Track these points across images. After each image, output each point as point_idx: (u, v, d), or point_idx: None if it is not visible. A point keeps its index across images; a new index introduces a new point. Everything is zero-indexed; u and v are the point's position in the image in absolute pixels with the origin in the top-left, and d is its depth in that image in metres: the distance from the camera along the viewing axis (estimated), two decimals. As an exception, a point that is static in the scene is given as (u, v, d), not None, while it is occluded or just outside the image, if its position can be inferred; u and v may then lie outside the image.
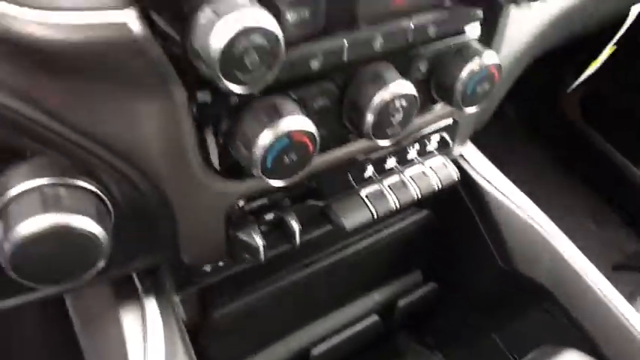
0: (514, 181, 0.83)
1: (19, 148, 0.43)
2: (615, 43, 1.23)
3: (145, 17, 0.36)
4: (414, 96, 0.50)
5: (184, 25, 0.36)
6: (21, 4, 0.33)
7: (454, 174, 0.68)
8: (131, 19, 0.35)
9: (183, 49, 0.37)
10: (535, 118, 1.70)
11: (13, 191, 0.42)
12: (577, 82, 1.51)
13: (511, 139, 1.66)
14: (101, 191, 0.46)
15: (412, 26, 0.49)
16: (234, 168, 0.49)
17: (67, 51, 0.35)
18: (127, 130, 0.43)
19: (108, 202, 0.47)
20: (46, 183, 0.43)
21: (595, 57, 1.34)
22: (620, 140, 1.53)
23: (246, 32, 0.34)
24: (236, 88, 0.37)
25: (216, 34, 0.34)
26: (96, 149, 0.43)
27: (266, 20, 0.35)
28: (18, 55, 0.36)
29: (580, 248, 0.78)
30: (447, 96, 0.56)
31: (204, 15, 0.34)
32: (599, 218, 1.57)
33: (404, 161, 0.67)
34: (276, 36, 0.35)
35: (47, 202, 0.42)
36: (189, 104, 0.42)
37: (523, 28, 0.66)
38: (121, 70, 0.38)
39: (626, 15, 1.09)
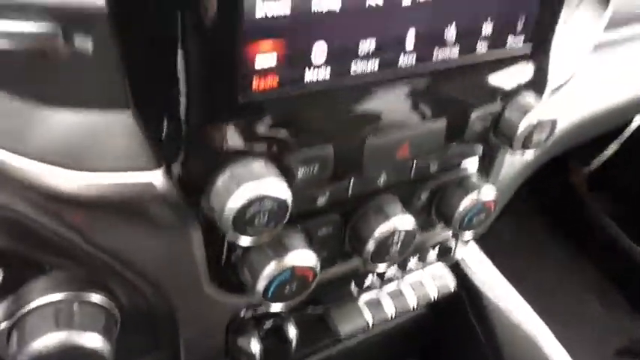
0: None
1: (41, 261, 0.47)
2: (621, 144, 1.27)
3: (168, 170, 0.40)
4: (414, 232, 0.53)
5: (204, 181, 0.39)
6: (60, 165, 0.37)
7: (451, 285, 0.70)
8: (157, 177, 0.39)
9: (199, 201, 0.41)
10: (543, 195, 1.71)
11: (32, 305, 0.45)
12: (584, 172, 1.54)
13: (518, 216, 1.66)
14: (112, 301, 0.49)
15: (414, 165, 0.52)
16: (238, 284, 0.52)
17: (96, 199, 0.39)
18: (145, 253, 0.46)
19: (116, 312, 0.50)
20: (61, 299, 0.46)
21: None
22: (629, 222, 1.52)
23: (260, 199, 0.37)
24: (244, 241, 0.40)
25: (233, 199, 0.37)
26: (114, 264, 0.46)
27: (278, 190, 0.38)
28: (49, 197, 0.40)
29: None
30: (446, 222, 0.58)
31: (224, 178, 0.38)
32: (605, 301, 1.55)
33: (404, 268, 0.70)
34: (286, 203, 0.39)
35: (60, 319, 0.45)
36: (204, 241, 0.45)
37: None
38: (144, 213, 0.41)
39: (630, 120, 1.13)
